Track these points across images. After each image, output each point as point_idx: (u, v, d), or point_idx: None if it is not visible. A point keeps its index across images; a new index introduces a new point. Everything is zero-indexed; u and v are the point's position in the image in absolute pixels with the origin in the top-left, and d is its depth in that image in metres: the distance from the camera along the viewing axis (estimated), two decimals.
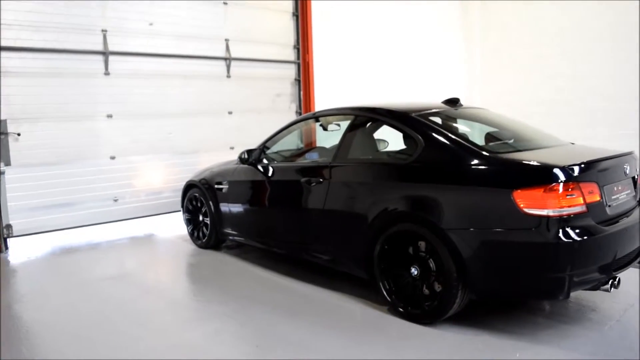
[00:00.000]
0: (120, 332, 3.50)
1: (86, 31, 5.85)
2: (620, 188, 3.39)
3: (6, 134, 5.40)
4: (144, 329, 3.56)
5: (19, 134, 5.44)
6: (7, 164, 5.43)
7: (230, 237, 5.13)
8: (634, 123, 8.11)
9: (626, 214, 3.43)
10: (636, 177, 3.62)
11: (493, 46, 10.75)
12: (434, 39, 9.81)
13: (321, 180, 4.07)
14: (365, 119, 4.11)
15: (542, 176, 3.04)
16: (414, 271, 3.48)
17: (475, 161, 3.30)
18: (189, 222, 5.65)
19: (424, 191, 3.44)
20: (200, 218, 5.46)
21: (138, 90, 6.27)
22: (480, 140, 3.94)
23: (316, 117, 4.62)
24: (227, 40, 7.00)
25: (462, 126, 4.05)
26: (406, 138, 3.87)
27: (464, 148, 3.41)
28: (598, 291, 3.27)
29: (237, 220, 4.98)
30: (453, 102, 4.24)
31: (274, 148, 4.81)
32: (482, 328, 3.38)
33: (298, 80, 7.82)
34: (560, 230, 2.95)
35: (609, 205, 3.24)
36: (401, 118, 3.83)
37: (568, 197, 2.98)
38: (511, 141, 3.95)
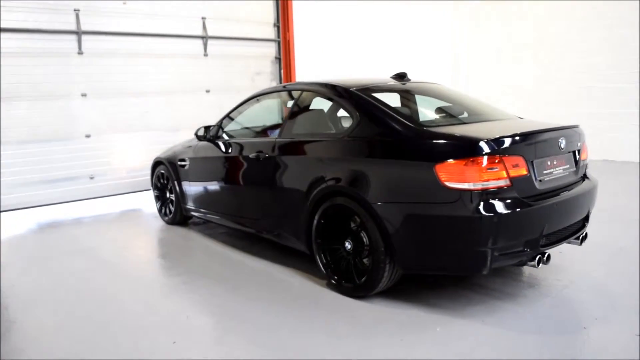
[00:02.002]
0: (68, 293, 3.61)
1: (58, 11, 5.92)
2: (555, 163, 3.33)
3: None
4: (90, 295, 3.70)
5: None
6: None
7: (192, 214, 5.20)
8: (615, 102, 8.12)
9: (563, 189, 3.37)
10: (576, 151, 3.54)
11: (481, 24, 10.69)
12: (418, 17, 9.68)
13: (267, 155, 4.09)
14: (309, 94, 4.09)
15: (462, 149, 3.00)
16: (348, 245, 3.50)
17: (403, 135, 3.27)
18: (157, 198, 5.74)
19: (355, 165, 3.43)
20: (167, 195, 5.53)
21: (113, 69, 6.34)
22: (425, 114, 3.91)
23: (268, 93, 4.61)
24: (203, 18, 7.01)
25: (404, 101, 4.00)
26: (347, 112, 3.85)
27: (394, 122, 3.37)
28: (546, 267, 3.23)
29: (197, 197, 5.04)
30: (401, 76, 4.19)
31: (232, 124, 4.82)
32: (413, 302, 3.39)
33: (278, 59, 7.80)
34: (481, 204, 2.91)
35: (540, 180, 3.18)
36: (340, 93, 3.80)
37: (489, 170, 2.94)
38: (461, 115, 3.93)
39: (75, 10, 6.00)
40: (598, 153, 8.64)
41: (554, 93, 9.62)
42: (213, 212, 4.85)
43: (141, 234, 5.44)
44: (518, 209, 2.98)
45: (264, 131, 4.93)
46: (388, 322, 3.15)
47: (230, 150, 4.55)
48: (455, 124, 3.57)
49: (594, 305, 3.32)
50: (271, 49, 7.77)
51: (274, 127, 4.93)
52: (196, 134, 4.84)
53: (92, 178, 6.31)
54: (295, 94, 4.22)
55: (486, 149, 2.95)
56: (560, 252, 4.19)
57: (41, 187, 5.96)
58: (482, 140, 2.98)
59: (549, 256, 3.22)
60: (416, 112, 3.78)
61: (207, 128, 4.84)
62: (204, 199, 4.96)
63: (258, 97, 4.65)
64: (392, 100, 3.88)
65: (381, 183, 3.25)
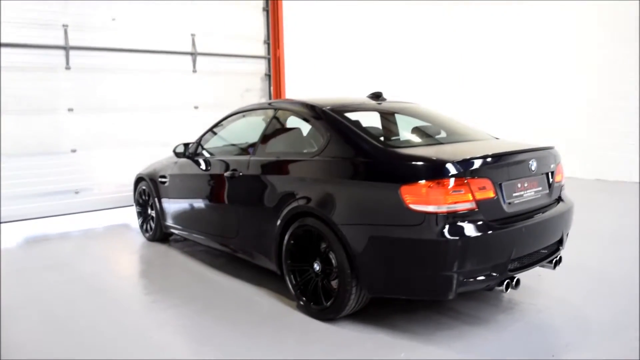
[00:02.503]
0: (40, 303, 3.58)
1: (47, 26, 5.96)
2: (526, 185, 3.28)
3: None
4: (59, 310, 3.69)
5: None
6: None
7: (171, 231, 5.16)
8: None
9: (535, 211, 3.31)
10: (550, 173, 3.48)
11: (473, 43, 10.74)
12: (409, 35, 9.72)
13: (241, 174, 4.05)
14: (284, 113, 4.07)
15: (427, 171, 2.96)
16: (317, 267, 3.44)
17: (369, 155, 3.23)
18: (139, 214, 5.71)
19: (323, 186, 3.38)
20: (149, 211, 5.50)
21: (100, 84, 6.36)
22: (396, 134, 3.88)
23: (244, 112, 4.59)
24: (193, 35, 7.04)
25: (378, 121, 3.97)
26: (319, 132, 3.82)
27: (361, 142, 3.34)
28: (523, 291, 3.17)
29: (176, 214, 5.01)
30: (376, 96, 4.17)
31: (212, 142, 4.80)
32: (382, 326, 3.32)
33: (268, 76, 7.80)
34: (446, 228, 2.86)
35: (509, 203, 3.12)
36: (311, 112, 3.77)
37: (454, 193, 2.89)
38: (435, 135, 3.90)
39: (63, 25, 6.03)
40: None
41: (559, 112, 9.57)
42: (190, 230, 4.81)
43: (121, 250, 5.39)
44: (484, 233, 2.92)
45: (246, 149, 4.90)
46: (353, 347, 3.08)
47: (207, 168, 4.52)
48: (425, 144, 3.53)
49: (566, 332, 3.25)
50: (261, 66, 7.78)
51: (242, 144, 4.92)
52: (174, 151, 4.82)
53: (77, 193, 6.30)
54: (270, 112, 4.19)
55: (451, 171, 2.91)
56: (539, 276, 4.12)
57: (26, 201, 5.94)
58: (447, 162, 2.94)
59: (518, 281, 3.15)
60: (386, 133, 3.74)
61: (186, 145, 4.82)
62: (182, 216, 4.92)
63: (236, 115, 4.63)
64: (369, 120, 3.86)
65: (347, 204, 3.21)
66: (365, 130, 3.51)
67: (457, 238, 2.85)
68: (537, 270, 3.61)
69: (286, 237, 3.59)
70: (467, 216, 2.92)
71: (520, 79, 10.10)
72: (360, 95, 4.34)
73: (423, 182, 2.91)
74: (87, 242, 5.69)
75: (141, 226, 5.69)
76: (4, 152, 5.80)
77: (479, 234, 2.91)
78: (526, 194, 3.27)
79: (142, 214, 5.65)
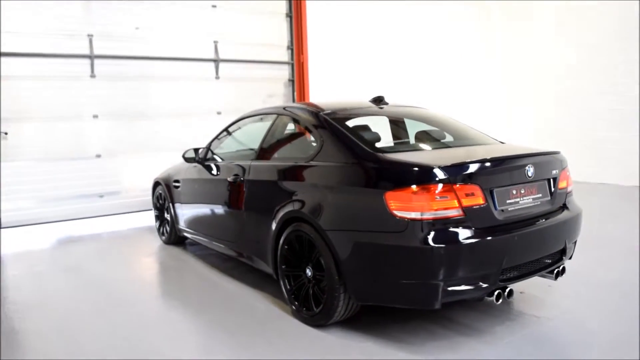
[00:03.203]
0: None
1: (72, 36, 6.20)
2: (523, 191, 3.14)
3: None
4: (63, 310, 3.81)
5: (6, 133, 5.86)
6: None
7: (184, 234, 5.24)
8: None
9: (533, 219, 3.17)
10: (552, 179, 3.33)
11: (509, 47, 10.45)
12: (437, 39, 9.54)
13: (242, 179, 4.08)
14: (283, 118, 4.07)
15: (411, 177, 2.88)
16: (309, 272, 3.41)
17: (358, 160, 3.18)
18: (156, 218, 5.84)
19: (314, 191, 3.36)
20: (165, 215, 5.61)
21: (124, 91, 6.56)
22: (392, 139, 3.81)
23: (249, 117, 4.61)
24: (215, 42, 7.16)
25: (383, 126, 3.91)
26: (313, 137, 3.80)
27: (352, 147, 3.30)
28: (527, 301, 3.05)
29: (187, 218, 5.09)
30: (378, 100, 4.11)
31: (220, 147, 4.85)
32: (372, 334, 3.25)
33: (292, 81, 7.83)
34: (430, 235, 2.77)
35: (501, 210, 3.00)
36: (308, 117, 3.75)
37: (439, 199, 2.80)
38: (434, 140, 3.82)
39: (88, 35, 6.27)
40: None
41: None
42: (200, 234, 4.88)
43: (136, 253, 5.51)
44: (471, 241, 2.82)
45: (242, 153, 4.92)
46: (338, 355, 3.03)
47: (214, 173, 4.58)
48: (420, 149, 3.44)
49: (566, 345, 3.09)
50: (284, 71, 7.83)
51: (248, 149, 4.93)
52: (183, 156, 4.90)
53: (101, 196, 6.51)
54: (272, 117, 4.20)
55: (436, 177, 2.82)
56: (549, 286, 3.94)
57: (52, 204, 6.19)
58: (432, 167, 2.85)
59: (510, 291, 3.01)
60: (380, 138, 3.67)
61: (196, 150, 4.89)
62: (193, 220, 4.99)
63: (243, 120, 4.67)
64: (378, 126, 3.82)
65: (334, 210, 3.17)
66: (359, 135, 3.46)
67: (442, 246, 2.76)
68: (547, 280, 3.45)
69: (280, 242, 3.58)
70: (453, 223, 2.83)
71: (525, 82, 10.03)
72: (366, 99, 4.29)
73: (407, 187, 2.84)
74: (108, 244, 5.86)
75: (158, 229, 5.82)
76: (32, 157, 6.06)
77: (465, 242, 2.81)
78: (522, 200, 3.14)
79: (159, 218, 5.77)
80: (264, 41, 7.58)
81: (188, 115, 7.02)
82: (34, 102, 6.04)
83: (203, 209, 4.76)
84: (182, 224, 5.21)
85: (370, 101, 4.16)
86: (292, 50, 7.82)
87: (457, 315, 3.50)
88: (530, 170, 3.14)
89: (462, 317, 3.47)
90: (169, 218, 5.48)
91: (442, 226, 2.81)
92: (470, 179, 2.90)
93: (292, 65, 7.83)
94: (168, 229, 5.54)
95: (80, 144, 6.35)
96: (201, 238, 4.86)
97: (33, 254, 5.51)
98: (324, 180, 3.34)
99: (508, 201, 3.06)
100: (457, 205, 2.83)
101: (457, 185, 2.84)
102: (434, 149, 3.59)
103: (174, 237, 5.49)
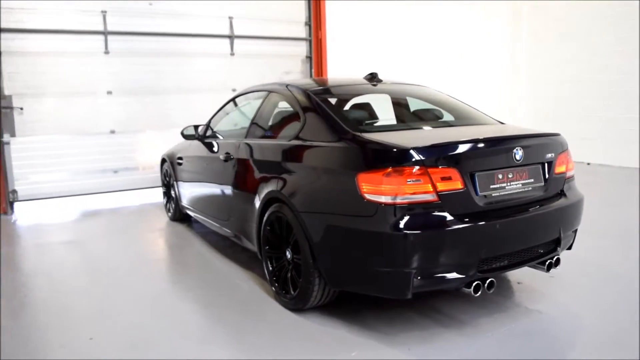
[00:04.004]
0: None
1: (86, 12, 6.23)
2: (510, 176, 2.92)
3: (11, 108, 5.96)
4: (67, 281, 3.90)
5: (21, 108, 5.99)
6: (12, 135, 6.02)
7: (187, 212, 5.24)
8: None
9: (522, 206, 2.95)
10: (546, 163, 3.09)
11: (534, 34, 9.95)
12: (459, 18, 9.12)
13: (232, 157, 4.00)
14: (273, 95, 3.94)
15: (382, 158, 2.72)
16: (289, 255, 3.31)
17: (335, 140, 3.03)
18: (164, 195, 5.87)
19: (292, 171, 3.25)
20: (171, 192, 5.63)
21: (138, 67, 6.57)
22: (379, 118, 3.64)
23: (245, 93, 4.51)
24: (230, 18, 7.05)
25: (367, 104, 3.73)
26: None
27: (331, 126, 3.14)
28: (523, 292, 2.90)
29: (188, 195, 5.08)
30: (371, 77, 3.92)
31: (220, 124, 4.78)
32: (348, 321, 3.13)
33: (309, 58, 7.66)
34: (399, 221, 2.61)
35: (484, 195, 2.80)
36: (294, 95, 3.61)
37: (410, 182, 2.63)
38: (430, 120, 3.63)
39: (102, 11, 6.28)
40: None
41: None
42: (198, 212, 4.86)
43: (141, 229, 5.55)
44: (445, 228, 2.64)
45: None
46: (310, 341, 2.93)
47: (210, 151, 4.52)
48: (404, 129, 3.25)
49: (556, 342, 2.88)
50: (302, 48, 7.66)
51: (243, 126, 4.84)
52: (181, 133, 4.84)
53: (116, 172, 6.59)
54: (263, 94, 4.08)
55: (408, 159, 2.65)
56: (552, 277, 3.71)
57: (66, 179, 6.32)
58: (404, 148, 2.68)
59: (492, 282, 2.82)
60: (369, 117, 3.50)
61: (196, 127, 4.84)
62: (192, 198, 4.98)
63: (241, 97, 4.57)
64: (376, 104, 3.66)
65: (309, 191, 3.05)
66: (342, 114, 3.31)
67: (413, 232, 2.60)
68: (552, 271, 3.24)
69: (263, 223, 3.50)
70: (427, 209, 2.65)
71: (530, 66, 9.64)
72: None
73: (377, 169, 2.68)
74: (116, 219, 5.94)
75: (165, 206, 5.85)
76: (47, 132, 6.18)
77: (439, 229, 2.64)
78: (510, 186, 2.92)
79: (167, 194, 5.80)
80: (281, 17, 7.42)
81: (202, 92, 6.98)
82: (49, 78, 6.13)
83: (200, 187, 4.72)
84: (184, 202, 5.21)
85: (364, 78, 3.97)
86: (309, 26, 7.63)
87: (443, 305, 3.33)
88: (518, 154, 2.90)
89: (448, 307, 3.30)
90: (174, 195, 5.49)
91: (413, 211, 2.64)
92: (448, 161, 2.70)
93: (310, 41, 7.65)
94: (173, 205, 5.55)
95: (94, 119, 6.43)
96: (199, 216, 4.84)
97: (42, 227, 5.64)
98: (302, 160, 3.22)
99: (492, 186, 2.85)
100: (431, 189, 2.65)
101: (432, 168, 2.66)
102: (421, 128, 3.39)
103: (178, 214, 5.50)
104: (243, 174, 3.85)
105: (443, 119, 3.63)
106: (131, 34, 6.47)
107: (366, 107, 3.75)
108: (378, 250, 2.70)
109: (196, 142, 4.85)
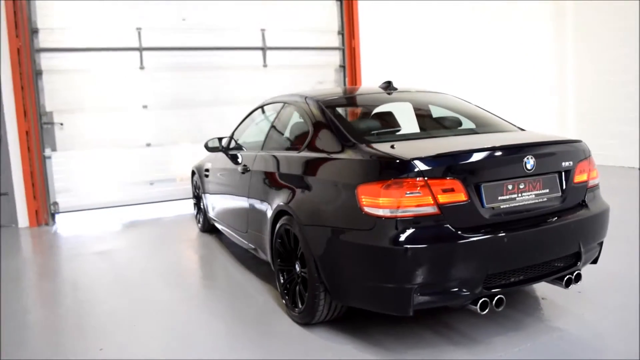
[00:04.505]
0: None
1: (122, 30, 6.45)
2: (522, 186, 2.77)
3: (52, 123, 6.25)
4: (93, 289, 4.02)
5: (61, 124, 6.27)
6: (53, 149, 6.31)
7: (213, 222, 5.29)
8: None
9: (536, 218, 2.79)
10: (563, 172, 2.91)
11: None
12: (499, 20, 8.80)
13: (248, 169, 4.02)
14: (288, 107, 3.93)
15: (380, 170, 2.65)
16: (297, 268, 3.28)
17: (339, 152, 2.99)
18: (194, 206, 5.96)
19: (299, 184, 3.22)
20: (200, 203, 5.71)
21: (172, 82, 6.75)
22: (401, 128, 3.55)
23: (264, 105, 4.52)
24: (263, 30, 7.13)
25: (379, 113, 3.65)
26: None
27: (337, 137, 3.09)
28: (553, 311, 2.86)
29: (214, 207, 5.13)
30: (386, 86, 3.84)
31: (242, 136, 4.81)
32: (357, 337, 3.05)
33: (343, 67, 7.62)
34: (398, 235, 2.53)
35: (491, 207, 2.67)
36: (305, 106, 3.58)
37: (409, 195, 2.54)
38: (445, 128, 3.52)
39: (137, 28, 6.50)
40: None
41: None
42: (222, 224, 4.90)
43: (172, 239, 5.66)
44: (445, 242, 2.53)
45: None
46: (313, 356, 2.88)
47: (232, 163, 4.55)
48: (412, 139, 3.16)
49: None
50: (335, 57, 7.63)
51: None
52: (205, 145, 4.90)
53: (151, 184, 6.78)
54: (279, 105, 4.08)
55: (407, 170, 2.56)
56: (579, 293, 3.49)
57: (104, 191, 6.55)
58: (402, 159, 2.59)
59: (500, 300, 2.67)
60: (380, 126, 3.41)
61: (220, 139, 4.88)
62: (217, 210, 5.03)
63: (261, 108, 4.59)
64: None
65: (313, 203, 3.02)
66: (349, 124, 3.26)
67: (411, 247, 2.51)
68: (577, 286, 3.06)
69: (275, 236, 3.48)
70: (427, 222, 2.55)
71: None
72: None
73: (376, 181, 2.60)
74: (150, 230, 6.10)
75: (195, 217, 5.95)
76: (85, 146, 6.45)
77: (439, 243, 2.53)
78: (521, 197, 2.76)
79: (197, 205, 5.89)
80: (313, 27, 7.43)
81: (235, 104, 7.07)
82: (87, 94, 6.39)
83: (223, 199, 4.77)
84: (210, 213, 5.28)
85: (380, 87, 3.90)
86: (343, 35, 7.60)
87: (456, 321, 3.18)
88: (529, 163, 2.75)
89: (461, 324, 3.15)
90: (202, 207, 5.57)
91: (413, 225, 2.54)
92: (450, 172, 2.59)
93: (343, 50, 7.62)
94: (202, 217, 5.64)
95: (130, 133, 6.64)
96: (224, 227, 4.88)
97: (79, 238, 5.87)
98: (308, 172, 3.19)
99: (501, 197, 2.71)
100: (432, 201, 2.55)
101: (433, 180, 2.55)
102: (432, 138, 3.28)
103: (207, 225, 5.58)
104: (258, 186, 3.85)
105: (461, 127, 3.51)
106: (165, 49, 6.66)
107: (378, 116, 3.68)
108: (377, 265, 2.62)
109: (221, 154, 4.90)
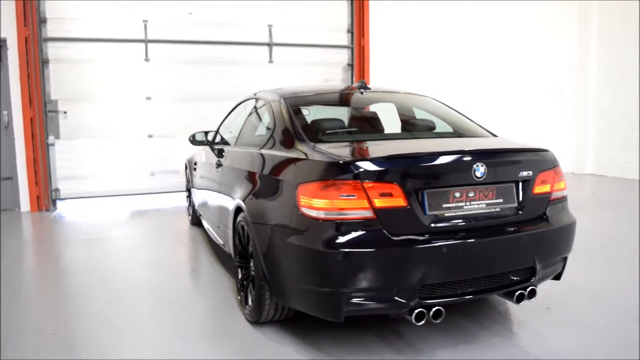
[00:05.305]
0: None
1: (128, 22, 6.54)
2: (472, 195, 2.64)
3: (56, 112, 6.40)
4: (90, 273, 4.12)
5: (65, 112, 6.40)
6: (57, 137, 6.45)
7: (199, 216, 5.31)
8: None
9: (485, 229, 2.66)
10: (521, 182, 2.76)
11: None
12: (516, 19, 8.50)
13: (220, 164, 4.01)
14: (259, 103, 3.89)
15: (318, 171, 2.57)
16: (252, 266, 3.23)
17: (289, 150, 2.93)
18: (187, 198, 5.99)
19: (253, 181, 3.18)
20: (191, 196, 5.74)
21: (176, 75, 6.80)
22: (359, 129, 3.47)
23: (244, 101, 4.48)
24: (270, 26, 7.10)
25: (341, 113, 3.57)
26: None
27: (289, 136, 3.03)
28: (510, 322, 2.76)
29: (197, 200, 5.15)
30: (360, 85, 3.75)
31: (225, 131, 4.79)
32: (300, 340, 2.97)
33: (351, 65, 7.52)
34: (329, 238, 2.45)
35: (434, 215, 2.56)
36: (271, 103, 3.53)
37: (343, 197, 2.46)
38: (408, 131, 3.42)
39: (144, 21, 6.57)
40: None
41: None
42: (203, 217, 4.91)
43: (161, 231, 5.72)
44: (377, 248, 2.44)
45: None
46: (248, 355, 2.83)
47: (213, 157, 4.54)
48: (364, 140, 3.06)
49: None
50: (343, 56, 7.54)
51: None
52: (189, 138, 4.88)
53: (152, 175, 6.85)
54: (252, 101, 4.05)
55: (342, 172, 2.47)
56: (548, 309, 3.32)
57: (105, 180, 6.66)
58: (337, 161, 2.51)
59: (438, 312, 2.56)
60: (333, 126, 3.32)
61: (206, 133, 4.88)
62: (199, 203, 5.04)
63: (241, 103, 4.56)
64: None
65: (261, 201, 2.97)
66: (307, 123, 3.19)
67: (341, 251, 2.42)
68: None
69: (234, 232, 3.45)
70: (361, 226, 2.46)
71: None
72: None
73: (313, 182, 2.53)
74: (145, 220, 6.17)
75: (187, 209, 5.98)
76: (88, 135, 6.57)
77: (371, 248, 2.44)
78: (469, 206, 2.64)
79: (189, 198, 5.93)
80: (322, 24, 7.36)
81: (239, 99, 7.04)
82: (92, 84, 6.51)
83: (203, 193, 4.77)
84: (197, 206, 5.29)
85: (355, 86, 3.81)
86: (352, 33, 7.49)
87: (408, 330, 3.06)
88: (479, 170, 2.61)
89: (413, 333, 3.03)
90: (191, 200, 5.60)
91: (346, 228, 2.46)
92: (389, 176, 2.49)
93: (352, 49, 7.52)
94: (192, 210, 5.67)
95: (133, 124, 6.73)
96: (204, 221, 4.90)
97: (76, 224, 5.99)
98: (261, 169, 3.15)
99: (446, 205, 2.59)
100: (368, 205, 2.46)
101: (369, 183, 2.46)
102: (387, 140, 3.17)
103: (196, 219, 5.60)
104: (226, 182, 3.82)
105: (424, 131, 3.39)
106: (170, 42, 6.72)
107: (344, 116, 3.60)
108: (310, 268, 2.56)
109: (207, 148, 4.90)
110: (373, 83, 7.45)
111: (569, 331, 3.05)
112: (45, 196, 6.43)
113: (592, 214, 6.41)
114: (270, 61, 7.20)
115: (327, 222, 2.47)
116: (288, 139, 3.03)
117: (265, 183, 3.00)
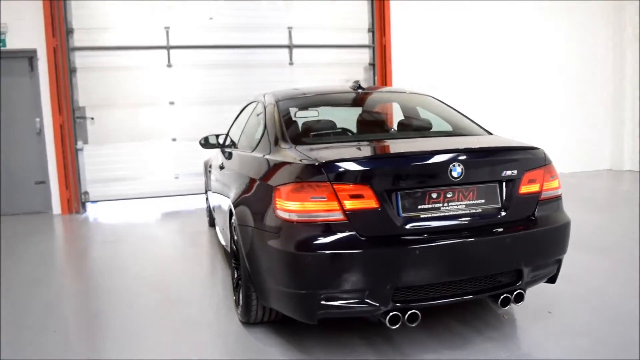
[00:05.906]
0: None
1: (150, 29, 6.74)
2: (450, 195, 2.57)
3: (84, 118, 6.66)
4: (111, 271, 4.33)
5: (92, 118, 6.66)
6: (85, 142, 6.72)
7: (213, 218, 5.40)
8: None
9: (464, 231, 2.58)
10: (504, 182, 2.67)
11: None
12: (544, 17, 8.14)
13: (223, 167, 4.08)
14: (258, 105, 3.92)
15: (289, 174, 2.57)
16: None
17: (271, 152, 2.95)
18: (206, 201, 6.11)
19: (242, 183, 3.23)
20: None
21: (198, 79, 6.95)
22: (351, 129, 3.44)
23: (250, 103, 4.52)
24: (289, 28, 7.13)
25: (334, 113, 3.55)
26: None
27: (276, 138, 3.05)
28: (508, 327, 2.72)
29: (211, 202, 5.24)
30: (355, 85, 3.72)
31: (234, 133, 4.85)
32: (287, 342, 2.98)
33: (372, 65, 7.45)
34: (299, 240, 2.45)
35: (409, 217, 2.51)
36: (266, 105, 3.55)
37: (313, 199, 2.45)
38: (401, 130, 3.38)
39: (165, 27, 6.75)
40: None
41: None
42: (215, 220, 5.00)
43: (179, 232, 5.88)
44: (347, 250, 2.41)
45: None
46: (234, 355, 2.88)
47: (219, 160, 4.62)
48: (354, 141, 3.04)
49: None
50: (364, 55, 7.48)
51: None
52: (200, 142, 4.97)
53: (177, 177, 7.03)
54: (253, 104, 4.09)
55: (311, 175, 2.46)
56: (550, 313, 3.18)
57: (132, 183, 6.89)
58: (306, 164, 2.51)
59: (414, 315, 2.50)
60: (321, 128, 3.30)
61: (217, 136, 4.96)
62: (212, 205, 5.13)
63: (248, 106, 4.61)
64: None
65: (246, 203, 3.02)
66: (294, 125, 3.21)
67: (312, 254, 2.42)
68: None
69: (232, 234, 3.50)
70: (331, 228, 2.44)
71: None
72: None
73: (285, 185, 2.54)
74: (168, 222, 6.34)
75: (206, 211, 6.10)
76: (115, 140, 6.80)
77: (341, 250, 2.41)
78: (447, 207, 2.57)
79: (207, 200, 6.04)
80: (342, 24, 7.33)
81: None
82: (117, 90, 6.75)
83: (214, 196, 4.85)
84: (211, 208, 5.39)
85: (350, 87, 3.78)
86: (373, 32, 7.43)
87: (399, 335, 3.00)
88: (456, 170, 2.53)
89: (403, 337, 2.97)
90: (208, 202, 5.71)
91: (316, 231, 2.45)
92: (359, 178, 2.46)
93: (373, 48, 7.45)
94: (209, 212, 5.78)
95: (157, 128, 6.93)
96: (216, 224, 4.98)
97: (102, 226, 6.22)
98: (248, 171, 3.19)
99: (422, 207, 2.53)
100: (338, 207, 2.44)
101: (339, 185, 2.44)
102: (374, 141, 3.12)
103: (212, 220, 5.70)
104: (228, 184, 3.88)
105: (416, 130, 3.33)
106: (192, 47, 6.87)
107: (346, 117, 3.57)
108: (284, 270, 2.56)
109: (219, 151, 4.98)
110: (395, 82, 7.38)
111: (569, 336, 2.91)
112: (75, 199, 6.71)
113: (619, 212, 6.12)
114: (291, 63, 7.24)
115: (299, 224, 2.46)
116: (274, 142, 3.05)
117: (249, 185, 3.04)
